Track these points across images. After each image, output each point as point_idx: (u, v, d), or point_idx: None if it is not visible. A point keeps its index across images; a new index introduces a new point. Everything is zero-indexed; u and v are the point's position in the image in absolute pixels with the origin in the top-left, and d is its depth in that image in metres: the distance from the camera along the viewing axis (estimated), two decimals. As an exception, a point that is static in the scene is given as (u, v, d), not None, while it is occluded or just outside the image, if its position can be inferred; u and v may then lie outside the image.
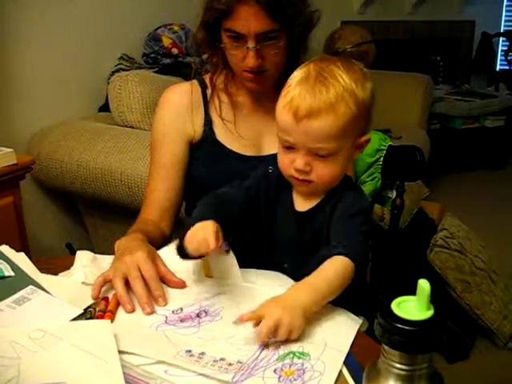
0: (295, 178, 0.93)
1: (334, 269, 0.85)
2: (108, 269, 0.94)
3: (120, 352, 0.73)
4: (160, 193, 1.20)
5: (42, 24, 2.15)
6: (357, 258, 0.86)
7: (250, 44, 1.07)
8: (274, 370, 0.73)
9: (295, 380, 0.71)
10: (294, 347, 0.78)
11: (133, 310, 0.86)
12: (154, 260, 0.94)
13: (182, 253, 0.88)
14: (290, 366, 0.74)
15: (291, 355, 0.76)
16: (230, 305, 0.88)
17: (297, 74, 0.92)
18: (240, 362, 0.74)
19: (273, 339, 0.77)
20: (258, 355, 0.76)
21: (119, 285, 0.89)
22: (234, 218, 0.96)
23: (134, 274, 0.90)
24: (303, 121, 0.87)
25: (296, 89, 0.89)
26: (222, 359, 0.75)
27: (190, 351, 0.76)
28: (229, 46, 1.10)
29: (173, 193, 1.21)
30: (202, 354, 0.76)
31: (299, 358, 0.75)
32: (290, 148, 0.92)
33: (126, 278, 0.90)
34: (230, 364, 0.74)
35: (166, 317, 0.84)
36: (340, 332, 0.82)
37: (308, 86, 0.88)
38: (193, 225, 0.85)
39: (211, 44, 1.15)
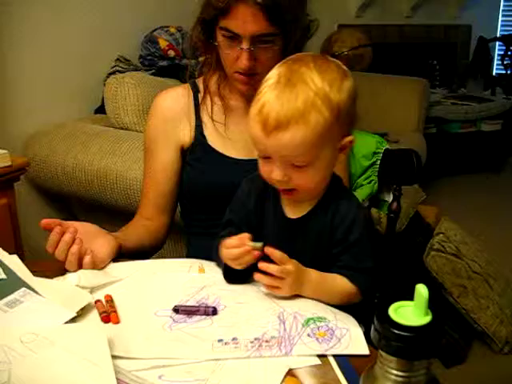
0: (278, 188, 0.91)
1: (343, 287, 0.90)
2: None
3: (117, 357, 0.72)
4: (151, 197, 1.23)
5: (39, 25, 2.14)
6: (365, 290, 0.90)
7: (245, 45, 1.06)
8: (308, 335, 0.79)
9: (331, 339, 0.78)
10: (309, 314, 0.84)
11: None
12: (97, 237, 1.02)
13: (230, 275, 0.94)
14: (318, 328, 0.80)
15: (312, 321, 0.82)
16: (222, 294, 0.91)
17: (269, 77, 0.87)
18: (274, 337, 0.78)
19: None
20: (284, 328, 0.80)
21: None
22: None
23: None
24: (273, 133, 0.82)
25: (266, 95, 0.84)
26: (257, 339, 0.78)
27: (221, 340, 0.78)
28: (223, 45, 1.10)
29: (163, 198, 1.23)
30: (235, 339, 0.78)
31: (320, 321, 0.82)
32: (266, 157, 0.87)
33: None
34: (266, 341, 0.77)
35: (171, 317, 0.84)
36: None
37: (277, 92, 0.83)
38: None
39: (206, 42, 1.14)
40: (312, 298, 0.89)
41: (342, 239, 0.91)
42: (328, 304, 0.89)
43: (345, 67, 0.89)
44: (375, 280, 0.91)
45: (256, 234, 0.95)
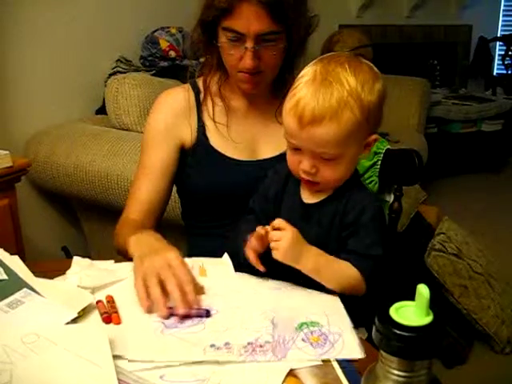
0: (303, 178, 0.95)
1: (345, 270, 0.92)
2: (137, 272, 0.92)
3: (119, 358, 0.72)
4: (143, 193, 1.20)
5: (40, 26, 2.15)
6: (368, 277, 0.92)
7: (249, 44, 1.06)
8: (302, 340, 0.78)
9: (325, 344, 0.77)
10: (302, 318, 0.83)
11: (170, 313, 0.84)
12: (185, 264, 0.92)
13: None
14: (312, 333, 0.80)
15: (305, 325, 0.82)
16: (215, 299, 0.89)
17: (305, 74, 0.92)
18: (268, 342, 0.77)
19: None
20: (278, 332, 0.80)
21: (155, 288, 0.87)
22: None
23: (167, 274, 0.88)
24: (307, 127, 0.88)
25: (302, 91, 0.89)
26: (250, 343, 0.77)
27: (214, 345, 0.77)
28: (226, 46, 1.09)
29: (156, 195, 1.20)
30: (227, 344, 0.77)
31: (313, 326, 0.82)
32: (296, 149, 0.93)
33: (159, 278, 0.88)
34: (260, 346, 0.77)
35: (163, 322, 0.83)
36: (332, 305, 0.89)
37: (313, 89, 0.88)
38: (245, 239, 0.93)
39: (207, 44, 1.14)
40: (320, 286, 0.91)
41: (352, 223, 0.95)
42: (334, 293, 0.91)
43: (376, 69, 0.94)
44: (381, 270, 0.94)
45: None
